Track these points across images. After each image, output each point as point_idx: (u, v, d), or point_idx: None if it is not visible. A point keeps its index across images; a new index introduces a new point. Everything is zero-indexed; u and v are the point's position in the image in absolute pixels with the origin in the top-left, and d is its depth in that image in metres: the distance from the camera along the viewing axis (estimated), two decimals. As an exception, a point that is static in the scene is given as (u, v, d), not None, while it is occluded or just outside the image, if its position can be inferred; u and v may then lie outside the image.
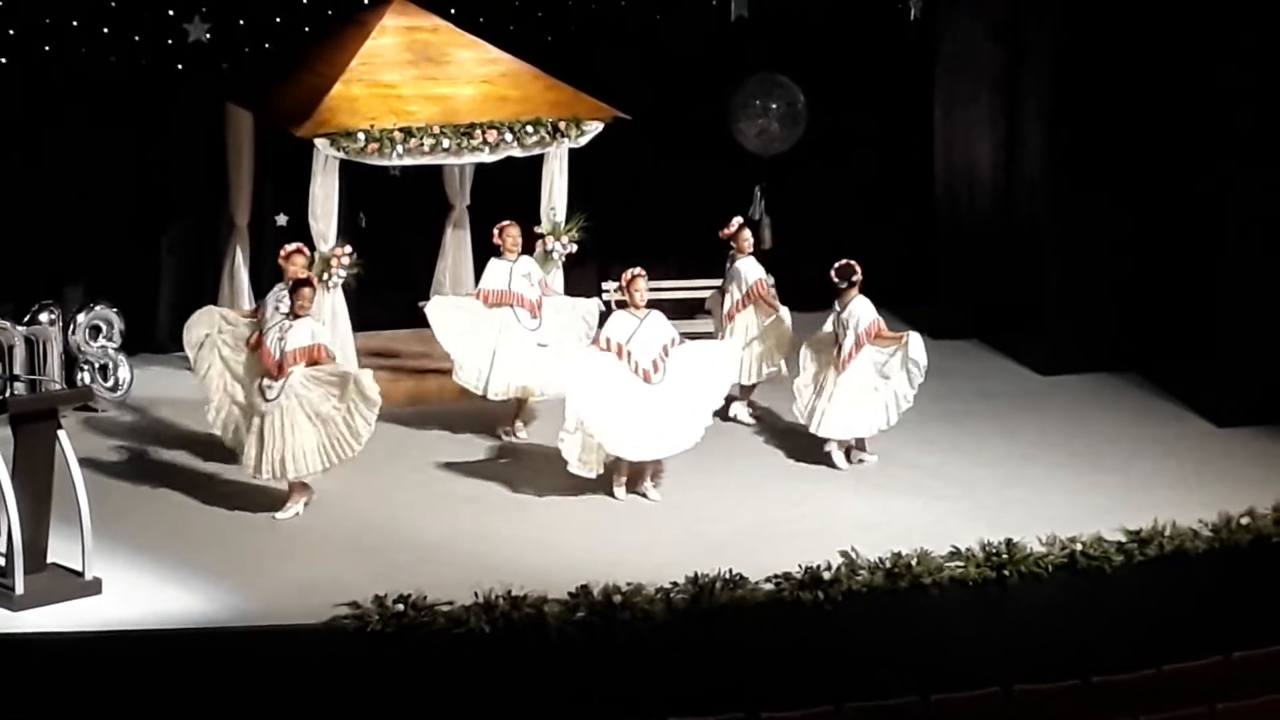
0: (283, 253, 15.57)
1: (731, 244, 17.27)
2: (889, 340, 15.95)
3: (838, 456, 16.08)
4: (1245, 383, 17.23)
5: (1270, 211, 17.10)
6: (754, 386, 17.20)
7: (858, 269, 16.04)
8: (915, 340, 15.85)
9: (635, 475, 15.27)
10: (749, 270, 17.08)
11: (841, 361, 15.93)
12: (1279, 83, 16.90)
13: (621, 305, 15.51)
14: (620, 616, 12.99)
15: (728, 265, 17.33)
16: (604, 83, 17.89)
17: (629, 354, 15.02)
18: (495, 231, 16.69)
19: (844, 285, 16.02)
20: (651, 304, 15.47)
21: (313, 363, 14.54)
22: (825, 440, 16.05)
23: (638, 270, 15.49)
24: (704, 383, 15.20)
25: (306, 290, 14.79)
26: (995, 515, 14.84)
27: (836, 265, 16.09)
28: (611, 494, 15.20)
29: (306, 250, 15.77)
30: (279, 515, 14.69)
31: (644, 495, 15.28)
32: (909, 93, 20.07)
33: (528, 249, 17.22)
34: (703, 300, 19.28)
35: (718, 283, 19.43)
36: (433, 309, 16.59)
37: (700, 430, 15.14)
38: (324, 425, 14.48)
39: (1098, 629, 13.80)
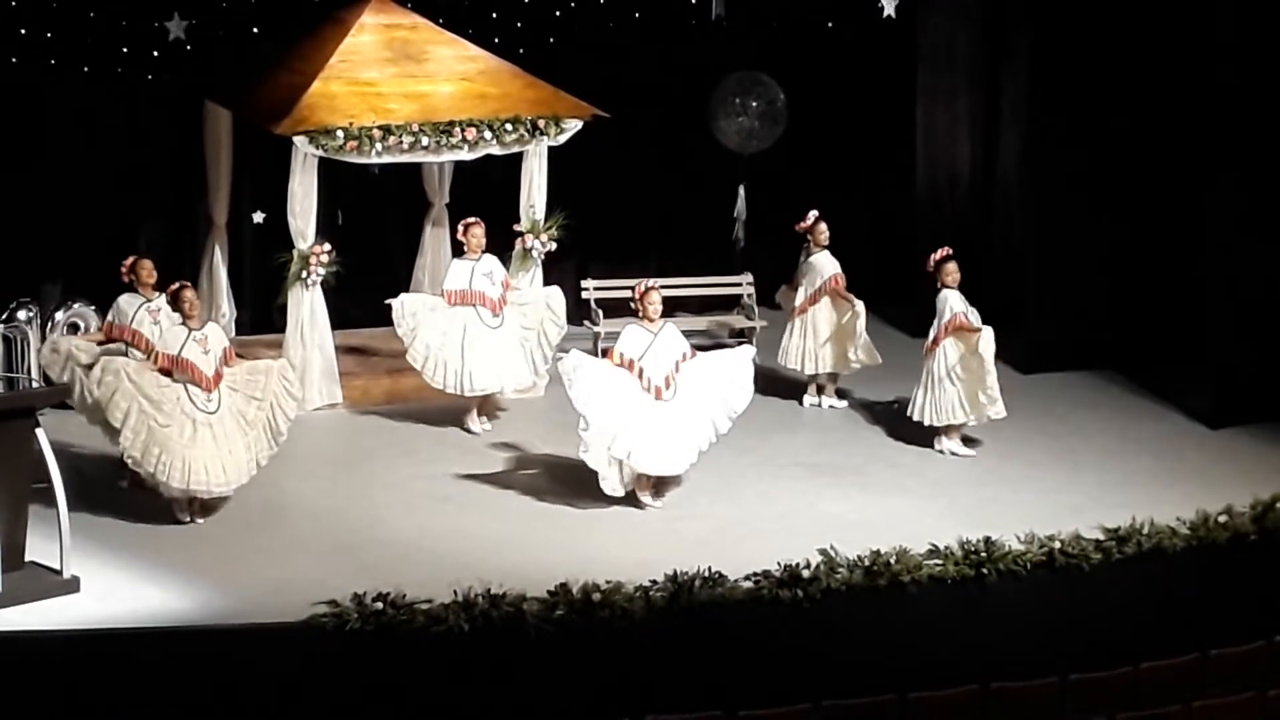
0: (124, 265, 15.36)
1: (807, 237, 17.24)
2: (972, 335, 15.99)
3: (944, 443, 16.20)
4: (1223, 381, 17.25)
5: (1249, 209, 17.11)
6: (834, 376, 17.30)
7: (932, 259, 16.10)
8: (984, 336, 15.89)
9: (657, 485, 15.10)
10: (825, 264, 17.10)
11: (925, 349, 16.11)
12: (1260, 79, 16.92)
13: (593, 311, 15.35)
14: (599, 614, 12.97)
15: (802, 259, 17.33)
16: (583, 81, 17.88)
17: (641, 370, 14.85)
18: (460, 229, 16.72)
19: (936, 272, 16.11)
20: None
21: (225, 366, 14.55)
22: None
23: (651, 282, 15.30)
24: (720, 396, 14.98)
25: (188, 294, 14.63)
26: (973, 513, 14.85)
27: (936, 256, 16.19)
28: (639, 505, 15.04)
29: (148, 262, 15.51)
30: (200, 520, 14.61)
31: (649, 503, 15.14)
32: (890, 90, 20.07)
33: (508, 246, 17.26)
34: (682, 299, 19.33)
35: (700, 280, 19.50)
36: (398, 306, 16.60)
37: (709, 441, 14.99)
38: (250, 429, 14.45)
39: (1075, 627, 13.81)
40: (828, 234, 17.21)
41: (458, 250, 16.95)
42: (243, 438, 14.43)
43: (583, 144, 17.49)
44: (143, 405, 14.28)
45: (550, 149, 17.33)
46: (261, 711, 12.42)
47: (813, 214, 17.27)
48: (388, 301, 16.72)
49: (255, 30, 18.13)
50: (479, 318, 16.53)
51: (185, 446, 14.25)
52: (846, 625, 13.47)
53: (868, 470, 15.99)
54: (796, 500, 15.33)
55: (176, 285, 14.79)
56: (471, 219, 16.73)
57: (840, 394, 17.53)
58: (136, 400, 14.28)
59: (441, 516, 14.91)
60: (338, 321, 17.34)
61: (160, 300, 15.12)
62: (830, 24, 20.11)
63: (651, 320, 15.04)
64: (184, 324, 14.52)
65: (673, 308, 18.90)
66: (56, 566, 13.34)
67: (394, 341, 17.11)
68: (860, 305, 17.01)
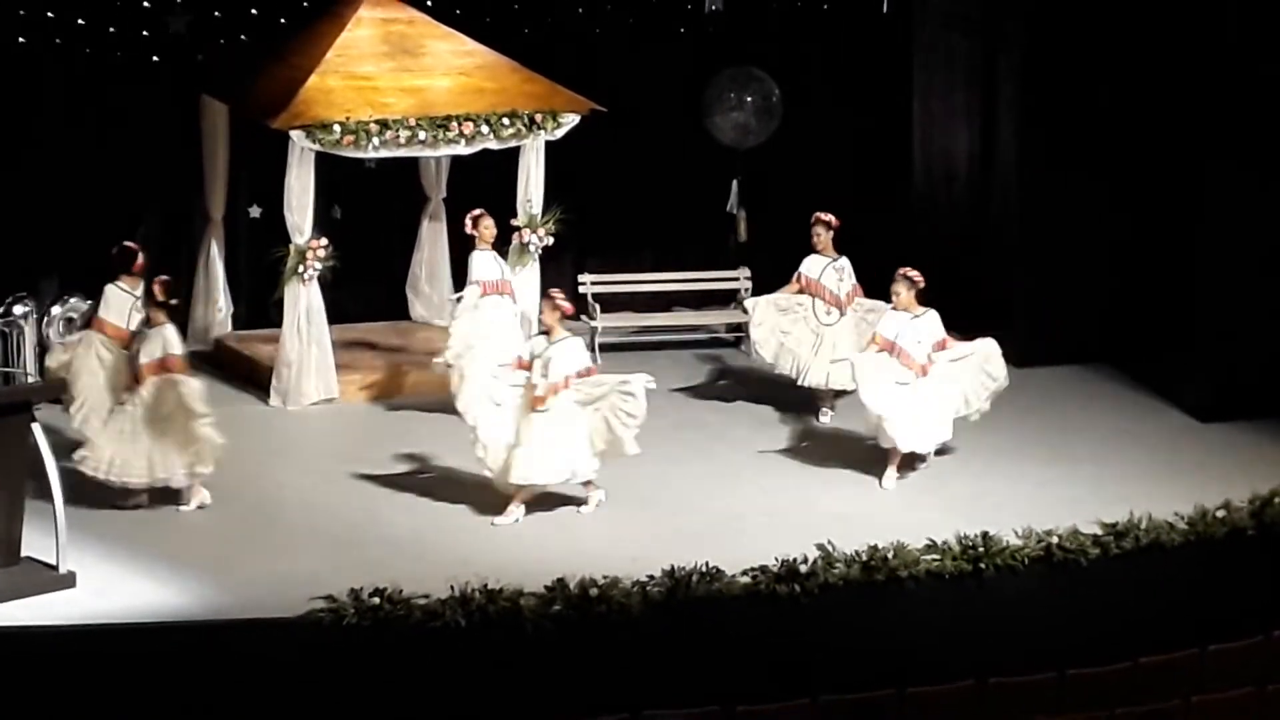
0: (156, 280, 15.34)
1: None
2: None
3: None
4: (1220, 376, 17.24)
5: (1244, 204, 17.11)
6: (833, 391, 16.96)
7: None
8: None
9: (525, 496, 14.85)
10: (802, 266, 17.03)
11: None
12: (1253, 73, 16.91)
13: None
14: (596, 610, 12.98)
15: None
16: (580, 75, 17.87)
17: (529, 376, 14.69)
18: (469, 221, 16.65)
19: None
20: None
21: (165, 372, 14.44)
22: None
23: (554, 290, 15.10)
24: (594, 417, 14.63)
25: (155, 288, 14.63)
26: (971, 508, 14.85)
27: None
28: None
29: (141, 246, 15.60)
30: (182, 508, 14.63)
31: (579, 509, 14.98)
32: (886, 85, 20.05)
33: (505, 241, 17.26)
34: (679, 294, 19.32)
35: (697, 275, 19.47)
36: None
37: (582, 466, 14.62)
38: (172, 432, 14.35)
39: (1073, 622, 13.81)
40: (819, 237, 16.94)
41: (455, 244, 16.92)
42: (162, 435, 14.35)
43: (579, 139, 17.47)
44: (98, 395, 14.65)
45: (547, 143, 17.32)
46: (259, 706, 12.41)
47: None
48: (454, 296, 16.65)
49: (252, 25, 18.11)
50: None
51: (108, 437, 14.38)
52: (844, 620, 13.47)
53: (866, 465, 15.97)
54: (793, 495, 15.33)
55: (164, 277, 14.90)
56: (478, 210, 16.67)
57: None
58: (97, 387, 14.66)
59: (438, 512, 14.90)
60: (335, 316, 17.32)
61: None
62: (825, 18, 20.09)
63: (551, 329, 14.80)
64: (144, 321, 14.68)
65: (669, 303, 18.99)
66: (53, 562, 13.33)
67: (392, 336, 17.12)
68: (803, 299, 16.78)
